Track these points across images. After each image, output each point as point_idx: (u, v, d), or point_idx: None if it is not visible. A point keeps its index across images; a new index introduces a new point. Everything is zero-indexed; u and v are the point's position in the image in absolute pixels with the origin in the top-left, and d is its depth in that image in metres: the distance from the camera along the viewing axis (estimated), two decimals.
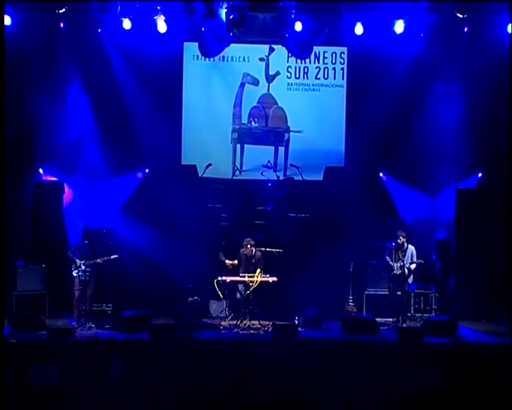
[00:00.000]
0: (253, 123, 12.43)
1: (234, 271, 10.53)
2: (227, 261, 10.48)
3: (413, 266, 10.43)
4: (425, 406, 8.50)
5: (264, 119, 12.43)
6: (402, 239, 10.41)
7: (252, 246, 10.50)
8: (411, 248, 10.50)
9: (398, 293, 10.49)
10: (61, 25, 11.37)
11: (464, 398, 8.45)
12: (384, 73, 11.88)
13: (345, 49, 12.30)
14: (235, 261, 10.56)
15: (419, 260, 10.41)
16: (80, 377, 8.34)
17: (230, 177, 12.06)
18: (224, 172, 12.13)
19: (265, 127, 12.44)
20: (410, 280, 10.54)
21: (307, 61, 12.30)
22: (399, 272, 10.41)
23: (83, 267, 10.03)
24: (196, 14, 11.47)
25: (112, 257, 10.23)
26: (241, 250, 10.59)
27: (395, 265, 10.40)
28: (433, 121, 11.80)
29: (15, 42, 10.79)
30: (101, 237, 10.66)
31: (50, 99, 11.46)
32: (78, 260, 10.06)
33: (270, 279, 10.21)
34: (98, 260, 10.11)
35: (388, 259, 10.48)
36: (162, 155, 11.95)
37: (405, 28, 11.38)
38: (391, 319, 10.48)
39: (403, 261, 10.40)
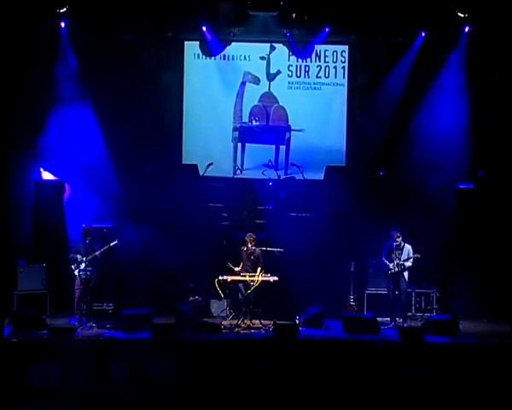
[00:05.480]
0: (254, 122, 12.41)
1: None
2: (236, 269, 10.43)
3: (408, 264, 10.42)
4: (425, 405, 8.46)
5: (265, 117, 12.42)
6: (398, 239, 10.42)
7: (253, 242, 10.47)
8: (408, 246, 10.49)
9: (397, 292, 10.48)
10: (62, 24, 11.37)
11: (465, 398, 8.40)
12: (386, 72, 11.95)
13: (346, 48, 12.30)
14: (241, 264, 10.54)
15: (415, 255, 10.41)
16: (81, 377, 8.30)
17: (231, 176, 12.06)
18: (225, 171, 12.12)
19: (266, 126, 12.42)
20: (406, 277, 10.48)
21: (308, 59, 12.31)
22: (396, 270, 10.41)
23: (83, 266, 10.00)
24: (197, 13, 11.52)
25: (111, 244, 10.14)
26: (242, 248, 10.59)
27: (391, 264, 10.40)
28: (434, 120, 11.75)
29: (16, 41, 10.78)
30: (101, 236, 10.60)
31: (50, 98, 11.45)
32: (79, 256, 10.03)
33: (271, 279, 10.21)
34: (97, 253, 10.03)
35: (386, 261, 10.50)
36: (163, 154, 11.96)
37: (407, 28, 11.43)
38: (390, 320, 10.50)
39: (399, 260, 10.40)
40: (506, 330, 9.34)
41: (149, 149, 11.89)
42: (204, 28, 11.84)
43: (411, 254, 10.43)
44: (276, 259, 10.68)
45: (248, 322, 10.15)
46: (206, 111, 12.30)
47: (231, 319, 10.54)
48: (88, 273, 10.04)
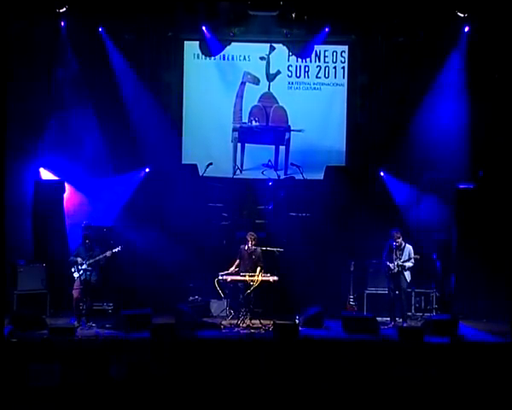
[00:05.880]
0: (253, 122, 12.41)
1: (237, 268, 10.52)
2: (230, 270, 10.43)
3: (408, 264, 10.41)
4: (425, 406, 8.36)
5: (264, 118, 12.42)
6: (398, 239, 10.41)
7: (254, 240, 10.45)
8: (409, 246, 10.48)
9: (397, 292, 10.46)
10: (62, 24, 11.35)
11: (465, 398, 8.31)
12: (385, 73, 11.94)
13: (345, 48, 12.30)
14: (237, 261, 10.52)
15: (415, 256, 10.40)
16: (81, 377, 8.23)
17: (231, 176, 12.07)
18: (224, 171, 12.13)
19: (266, 126, 12.41)
20: (408, 277, 10.48)
21: (308, 59, 12.31)
22: (396, 269, 10.40)
23: (84, 266, 9.98)
24: (197, 13, 11.48)
25: (114, 250, 10.13)
26: (242, 246, 10.56)
27: (392, 264, 10.39)
28: (434, 120, 11.74)
29: (16, 41, 10.76)
30: (101, 236, 10.62)
31: (50, 98, 11.45)
32: (79, 259, 10.01)
33: (271, 278, 10.20)
34: (99, 257, 10.04)
35: (387, 262, 10.49)
36: (163, 154, 11.93)
37: (407, 28, 11.46)
38: (390, 319, 10.50)
39: (400, 260, 10.39)
40: (506, 330, 9.30)
41: (149, 149, 11.86)
42: (204, 28, 11.85)
43: (412, 255, 10.42)
44: (276, 259, 10.62)
45: (248, 322, 10.13)
46: (205, 111, 12.31)
47: (231, 318, 10.50)
48: (88, 274, 10.02)
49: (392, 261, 10.44)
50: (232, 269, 10.42)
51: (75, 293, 10.08)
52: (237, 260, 10.51)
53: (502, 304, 10.61)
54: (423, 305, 11.32)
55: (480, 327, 10.34)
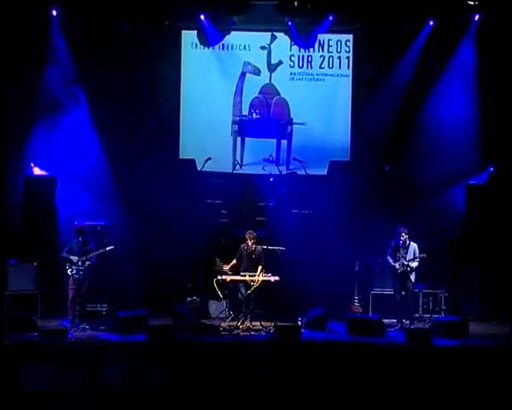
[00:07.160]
0: (254, 114, 12.28)
1: (235, 270, 10.35)
2: (225, 267, 10.35)
3: (414, 264, 10.24)
4: (433, 409, 8.20)
5: (265, 110, 12.29)
6: (404, 235, 10.24)
7: (253, 239, 10.30)
8: (413, 245, 10.31)
9: (403, 293, 10.31)
10: (54, 13, 11.16)
11: (474, 401, 8.17)
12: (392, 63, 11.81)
13: (350, 37, 12.15)
14: (234, 261, 10.37)
15: (421, 255, 10.23)
16: (74, 380, 8.10)
17: (231, 171, 11.95)
18: (224, 166, 12.01)
19: (267, 119, 12.28)
20: (413, 278, 10.33)
21: (311, 49, 12.16)
22: (401, 269, 10.22)
23: (77, 266, 9.78)
24: (195, 1, 11.35)
25: (107, 248, 10.01)
26: (242, 245, 10.41)
27: (397, 264, 10.22)
28: (442, 114, 11.56)
29: (6, 32, 10.45)
30: (95, 234, 10.48)
31: (42, 91, 11.23)
32: (72, 258, 9.83)
33: (272, 278, 10.05)
34: (93, 254, 9.89)
35: (390, 260, 10.32)
36: (159, 148, 11.81)
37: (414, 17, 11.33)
38: (396, 321, 10.37)
39: (405, 259, 10.22)
40: None
41: (145, 143, 11.79)
42: (202, 17, 11.67)
43: (417, 253, 10.24)
44: (278, 258, 10.55)
45: (248, 323, 10.00)
46: (204, 103, 12.18)
47: (230, 320, 10.37)
48: (81, 273, 9.86)
49: (396, 260, 10.26)
50: (227, 267, 10.28)
51: (71, 292, 9.92)
52: (234, 260, 10.34)
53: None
54: (431, 306, 11.18)
55: (490, 329, 10.22)
